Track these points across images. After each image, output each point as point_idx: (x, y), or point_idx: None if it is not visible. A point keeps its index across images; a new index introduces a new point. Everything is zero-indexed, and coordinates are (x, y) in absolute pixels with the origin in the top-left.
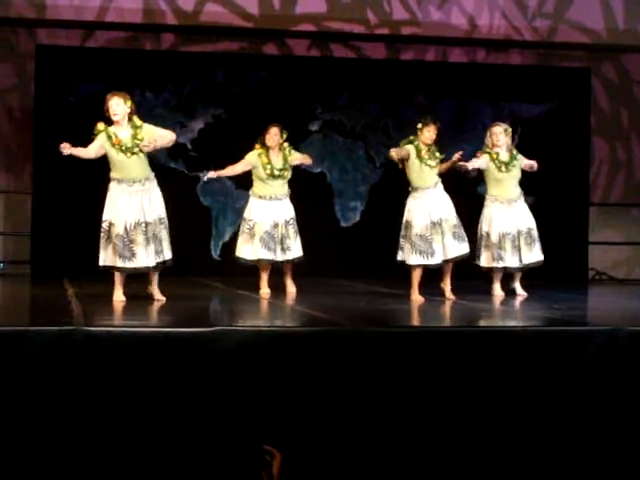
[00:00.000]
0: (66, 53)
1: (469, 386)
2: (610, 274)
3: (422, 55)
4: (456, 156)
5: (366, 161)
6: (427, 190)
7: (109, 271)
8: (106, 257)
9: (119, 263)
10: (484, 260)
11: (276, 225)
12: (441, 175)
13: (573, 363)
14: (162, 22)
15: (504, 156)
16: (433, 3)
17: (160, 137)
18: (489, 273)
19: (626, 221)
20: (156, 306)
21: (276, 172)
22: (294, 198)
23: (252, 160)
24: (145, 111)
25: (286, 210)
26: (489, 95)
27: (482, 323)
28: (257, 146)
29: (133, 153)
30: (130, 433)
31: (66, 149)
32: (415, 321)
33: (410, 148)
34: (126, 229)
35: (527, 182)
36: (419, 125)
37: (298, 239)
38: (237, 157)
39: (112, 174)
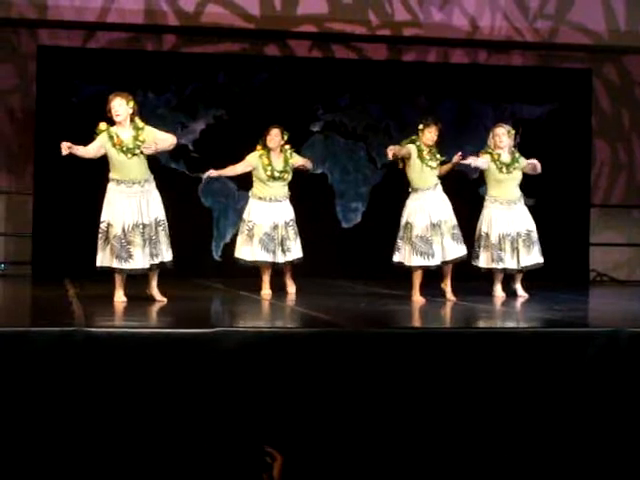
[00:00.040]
0: (67, 54)
1: (470, 387)
2: (611, 275)
3: (423, 56)
4: (456, 158)
5: (367, 162)
6: (427, 191)
7: (107, 272)
8: (103, 258)
9: (116, 264)
10: (483, 261)
11: (275, 227)
12: (442, 177)
13: (574, 364)
14: (163, 23)
15: (506, 157)
16: (434, 4)
17: (161, 140)
18: (489, 274)
19: (627, 222)
20: (157, 307)
21: (276, 174)
22: (295, 199)
23: (253, 161)
24: (147, 112)
25: (286, 211)
26: (490, 96)
27: (483, 324)
28: (258, 147)
29: (134, 154)
30: (131, 434)
31: (65, 149)
32: (416, 322)
33: (411, 148)
34: (124, 230)
35: (528, 183)
36: (420, 126)
37: (298, 240)
38: (238, 158)
39: (111, 174)
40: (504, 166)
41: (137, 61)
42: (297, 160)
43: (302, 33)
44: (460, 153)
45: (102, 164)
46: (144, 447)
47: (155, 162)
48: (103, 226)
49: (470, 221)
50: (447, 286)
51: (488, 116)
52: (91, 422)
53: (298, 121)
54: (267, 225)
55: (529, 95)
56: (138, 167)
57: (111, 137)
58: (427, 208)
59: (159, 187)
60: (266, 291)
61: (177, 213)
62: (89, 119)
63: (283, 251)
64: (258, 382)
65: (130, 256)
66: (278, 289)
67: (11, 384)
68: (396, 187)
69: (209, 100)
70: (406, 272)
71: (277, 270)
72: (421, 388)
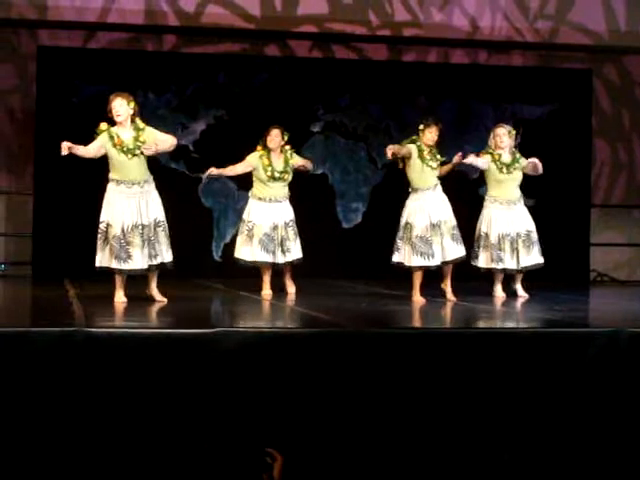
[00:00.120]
0: (68, 54)
1: (470, 387)
2: (611, 276)
3: (424, 56)
4: (456, 158)
5: (368, 162)
6: (427, 191)
7: (106, 272)
8: (102, 258)
9: (115, 264)
10: (482, 261)
11: (275, 227)
12: (442, 178)
13: (574, 365)
14: (164, 23)
15: (506, 158)
16: (435, 4)
17: (162, 141)
18: (489, 274)
19: (627, 222)
20: (157, 307)
21: (277, 174)
22: (296, 199)
23: (253, 162)
24: (147, 112)
25: (285, 212)
26: (491, 96)
27: (483, 324)
28: (259, 148)
29: (134, 155)
30: (131, 434)
31: (65, 149)
32: (416, 322)
33: (412, 147)
34: (123, 231)
35: (528, 184)
36: (421, 126)
37: (298, 241)
38: (239, 158)
39: (111, 175)
40: (504, 166)
41: (137, 61)
42: (297, 161)
43: (302, 33)
44: (460, 153)
45: (102, 164)
46: (145, 447)
47: (155, 162)
48: (102, 226)
49: (470, 221)
50: (447, 286)
51: (488, 116)
52: (92, 422)
53: (298, 121)
54: (267, 225)
55: (529, 95)
56: (138, 168)
57: (111, 137)
58: (427, 208)
59: (159, 187)
60: (266, 291)
61: (177, 213)
62: (89, 119)
63: (283, 251)
64: (258, 382)
65: (129, 256)
66: (278, 290)
67: (12, 384)
68: (396, 187)
69: (209, 100)
70: (406, 272)
71: (277, 271)
72: (422, 388)
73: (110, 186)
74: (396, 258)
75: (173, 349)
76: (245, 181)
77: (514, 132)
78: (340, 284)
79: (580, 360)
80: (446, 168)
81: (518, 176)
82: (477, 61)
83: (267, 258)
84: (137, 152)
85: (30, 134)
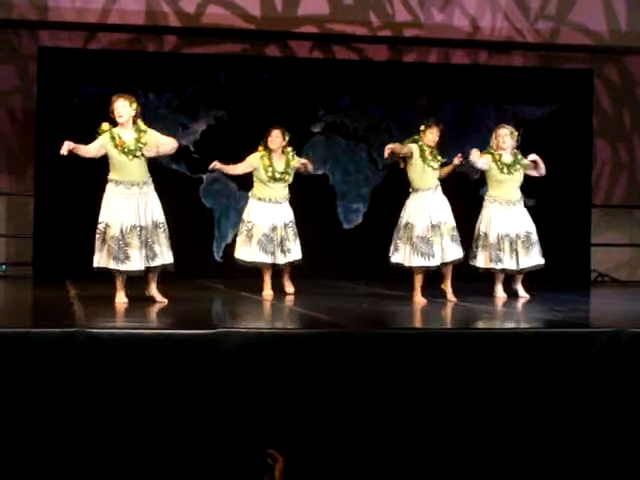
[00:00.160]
0: (68, 55)
1: (472, 388)
2: (612, 276)
3: (424, 57)
4: (457, 160)
5: (368, 163)
6: (428, 192)
7: (106, 273)
8: (100, 259)
9: (113, 265)
10: (481, 261)
11: (274, 228)
12: (442, 180)
13: (575, 365)
14: (164, 24)
15: (507, 158)
16: (435, 5)
17: (163, 144)
18: (490, 275)
19: (628, 223)
20: (158, 308)
21: (277, 175)
22: (296, 200)
23: (254, 162)
24: (148, 113)
25: (285, 213)
26: (491, 97)
27: (484, 325)
28: (260, 148)
29: (135, 156)
30: (132, 435)
31: (66, 149)
32: (417, 323)
33: (414, 147)
34: (122, 231)
35: (529, 184)
36: (422, 127)
37: (298, 242)
38: (239, 159)
39: (111, 175)
40: (505, 167)
41: (138, 62)
42: (298, 161)
43: (303, 34)
44: (460, 155)
45: (103, 166)
46: (145, 448)
47: (156, 163)
48: (101, 227)
49: (471, 222)
50: (447, 287)
51: (489, 117)
52: (93, 423)
53: (299, 122)
54: (266, 226)
55: (530, 96)
56: (138, 169)
57: (113, 138)
58: (427, 209)
59: (160, 188)
60: (267, 292)
61: (178, 214)
62: (90, 120)
63: (283, 252)
64: (259, 383)
65: (127, 257)
66: (278, 290)
67: (12, 385)
68: (397, 188)
69: (210, 101)
70: (407, 273)
71: (276, 271)
72: (423, 389)
73: (109, 187)
74: (396, 259)
75: (174, 350)
76: (246, 181)
77: (516, 133)
78: (341, 285)
79: (581, 360)
80: (446, 170)
81: (519, 177)
82: (478, 62)
83: (266, 259)
84: (138, 153)
85: (31, 135)
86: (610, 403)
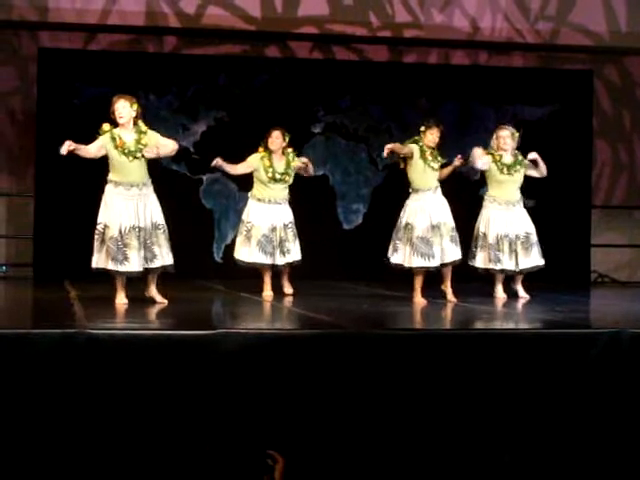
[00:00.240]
0: (68, 56)
1: (472, 389)
2: (612, 276)
3: (424, 58)
4: (457, 161)
5: (368, 164)
6: (428, 192)
7: (105, 273)
8: (99, 259)
9: (111, 266)
10: (480, 261)
11: (274, 229)
12: (442, 181)
13: (576, 366)
14: (164, 25)
15: (508, 159)
16: (435, 6)
17: (163, 146)
18: (490, 275)
19: (628, 223)
20: (158, 309)
21: (277, 176)
22: (296, 201)
23: (254, 162)
24: (148, 114)
25: (285, 214)
26: (491, 97)
27: (484, 326)
28: (260, 149)
29: (135, 157)
30: (133, 436)
31: (66, 148)
32: (418, 324)
33: (414, 147)
34: (121, 232)
35: (529, 184)
36: (422, 128)
37: (297, 242)
38: (239, 160)
39: (110, 176)
40: (505, 167)
41: (138, 63)
42: (298, 163)
43: (303, 34)
44: (460, 156)
45: (103, 166)
46: (146, 449)
47: (156, 164)
48: (100, 227)
49: (471, 223)
50: (447, 287)
51: (489, 118)
52: (93, 424)
53: (299, 122)
54: (265, 227)
55: (530, 96)
56: (138, 170)
57: (113, 138)
58: (427, 209)
59: (161, 189)
60: (267, 293)
61: (178, 215)
62: (90, 121)
63: (282, 253)
64: (260, 384)
65: (126, 258)
66: (278, 291)
67: (13, 386)
68: (397, 189)
69: (210, 102)
70: (407, 273)
71: (275, 272)
72: (423, 390)
73: (108, 187)
74: (395, 259)
75: (174, 350)
76: (246, 182)
77: (517, 134)
78: (341, 285)
79: (582, 361)
80: (446, 171)
81: (519, 178)
82: (478, 62)
83: (264, 260)
84: (138, 155)
85: (31, 136)
86: (610, 404)
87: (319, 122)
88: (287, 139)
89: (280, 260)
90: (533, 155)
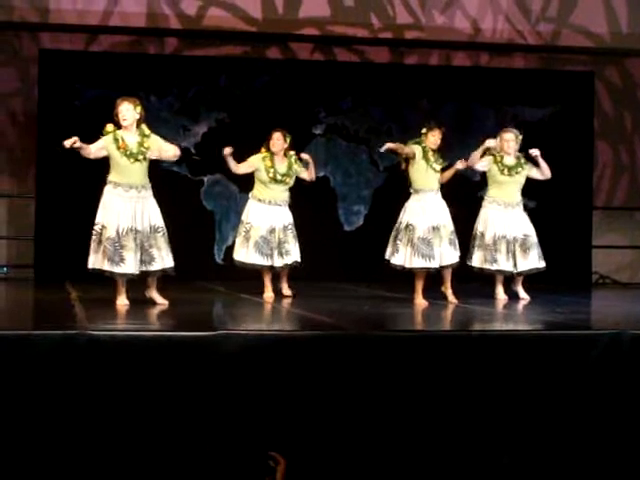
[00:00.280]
0: (69, 57)
1: (472, 390)
2: (613, 278)
3: (426, 59)
4: (459, 164)
5: (369, 165)
6: (429, 193)
7: (105, 275)
8: (95, 260)
9: (107, 267)
10: (476, 260)
11: (273, 230)
12: (443, 183)
13: (577, 367)
14: (165, 26)
15: (509, 160)
16: (437, 7)
17: (165, 150)
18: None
19: (629, 225)
20: (159, 310)
21: (279, 176)
22: (297, 202)
23: (255, 163)
24: (149, 115)
25: (284, 216)
26: (492, 99)
27: (485, 327)
28: (262, 150)
29: (136, 160)
30: (134, 437)
31: (68, 143)
32: (419, 325)
33: (417, 148)
34: (118, 233)
35: (530, 186)
36: (424, 130)
37: (297, 244)
38: (240, 161)
39: (110, 177)
40: (506, 168)
41: (139, 64)
42: (301, 171)
43: (304, 36)
44: (463, 160)
45: (104, 168)
46: (147, 450)
47: (157, 165)
48: (97, 228)
49: (471, 225)
50: (448, 289)
51: (490, 119)
52: (94, 425)
53: (300, 124)
54: (264, 228)
55: (531, 98)
56: (138, 173)
57: (116, 140)
58: (428, 210)
59: (161, 190)
60: (268, 294)
61: (179, 216)
62: (91, 122)
63: (280, 254)
64: (260, 385)
65: (122, 260)
66: (278, 293)
67: (13, 387)
68: (398, 190)
69: (211, 103)
70: (408, 275)
71: (274, 273)
72: (424, 391)
73: (107, 188)
74: (395, 260)
75: (174, 352)
76: (247, 183)
77: (521, 137)
78: (342, 287)
79: (582, 362)
80: (448, 174)
81: (520, 180)
82: (479, 64)
83: (262, 261)
84: (140, 157)
85: (32, 137)
86: (611, 405)
87: (320, 123)
88: (288, 140)
89: (278, 262)
90: (534, 151)
